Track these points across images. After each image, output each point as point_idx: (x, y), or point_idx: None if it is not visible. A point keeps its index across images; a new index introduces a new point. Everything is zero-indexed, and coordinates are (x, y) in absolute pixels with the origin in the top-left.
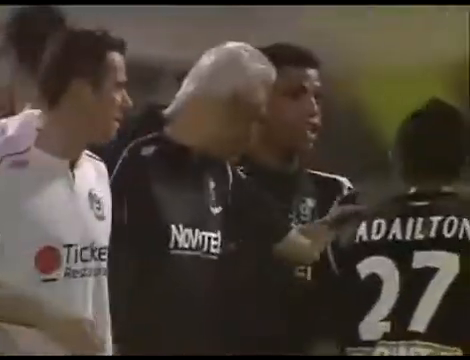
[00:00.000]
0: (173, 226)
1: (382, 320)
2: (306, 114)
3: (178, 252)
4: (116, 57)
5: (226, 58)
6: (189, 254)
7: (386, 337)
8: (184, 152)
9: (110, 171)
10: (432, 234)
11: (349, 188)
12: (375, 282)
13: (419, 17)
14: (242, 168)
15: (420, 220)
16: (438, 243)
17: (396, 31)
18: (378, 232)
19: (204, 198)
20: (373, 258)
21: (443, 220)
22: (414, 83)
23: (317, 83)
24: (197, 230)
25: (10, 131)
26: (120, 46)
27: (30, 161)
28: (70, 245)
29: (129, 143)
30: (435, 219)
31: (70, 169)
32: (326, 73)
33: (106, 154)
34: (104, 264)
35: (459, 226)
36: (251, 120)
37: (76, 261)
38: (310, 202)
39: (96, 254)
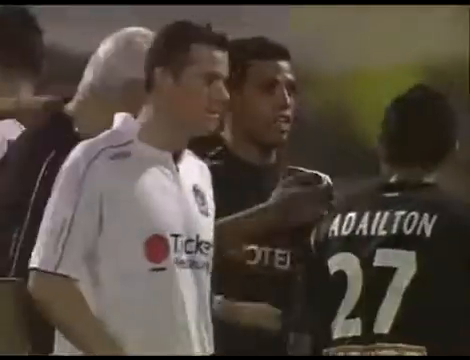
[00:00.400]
0: None
1: (347, 318)
2: (278, 107)
3: None
4: (204, 50)
5: (120, 45)
6: None
7: (353, 340)
8: None
9: None
10: (394, 231)
11: (328, 184)
12: (342, 279)
13: (417, 17)
14: (217, 162)
15: (386, 214)
16: (398, 241)
17: (392, 31)
18: (348, 227)
19: None
20: (341, 254)
21: (405, 215)
22: (408, 83)
23: (289, 75)
24: None
25: (115, 125)
26: (215, 40)
27: (132, 153)
28: (176, 235)
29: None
30: (398, 214)
31: (174, 162)
32: (314, 73)
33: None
34: (209, 259)
35: (419, 222)
36: None
37: (182, 252)
38: None
39: (201, 247)
